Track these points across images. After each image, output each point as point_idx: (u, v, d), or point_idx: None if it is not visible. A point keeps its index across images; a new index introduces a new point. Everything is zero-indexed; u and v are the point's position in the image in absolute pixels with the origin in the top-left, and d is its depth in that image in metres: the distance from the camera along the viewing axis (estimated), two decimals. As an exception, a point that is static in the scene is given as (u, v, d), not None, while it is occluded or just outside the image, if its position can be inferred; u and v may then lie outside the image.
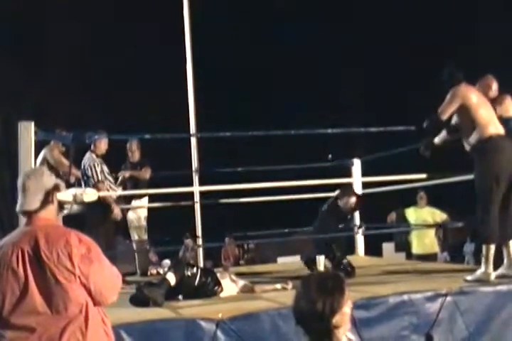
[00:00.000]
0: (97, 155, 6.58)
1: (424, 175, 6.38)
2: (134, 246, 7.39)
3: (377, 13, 16.25)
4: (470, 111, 5.03)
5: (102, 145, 6.58)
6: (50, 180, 2.79)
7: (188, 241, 6.99)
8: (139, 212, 7.31)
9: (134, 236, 7.32)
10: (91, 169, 6.41)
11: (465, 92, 5.09)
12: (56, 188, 2.80)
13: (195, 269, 4.90)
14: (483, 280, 4.82)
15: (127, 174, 7.29)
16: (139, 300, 4.52)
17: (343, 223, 6.16)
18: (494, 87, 5.44)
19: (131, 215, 7.29)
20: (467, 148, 5.15)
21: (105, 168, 6.62)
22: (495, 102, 5.34)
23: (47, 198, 2.74)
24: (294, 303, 2.43)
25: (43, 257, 2.57)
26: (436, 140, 5.54)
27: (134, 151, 7.40)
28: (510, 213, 5.08)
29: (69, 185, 5.95)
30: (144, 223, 7.31)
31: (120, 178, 7.29)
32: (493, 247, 4.92)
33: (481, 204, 4.96)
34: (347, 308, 2.41)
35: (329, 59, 16.36)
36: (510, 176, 4.99)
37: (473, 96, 5.08)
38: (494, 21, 14.72)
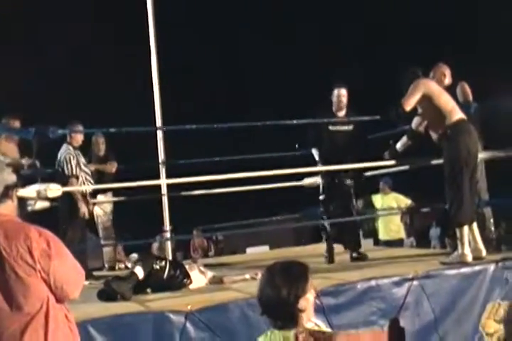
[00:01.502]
0: (74, 147, 6.46)
1: (388, 162, 6.44)
2: (101, 240, 7.34)
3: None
4: (433, 99, 5.21)
5: (79, 136, 6.48)
6: (10, 176, 2.77)
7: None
8: (105, 207, 7.26)
9: (101, 231, 7.27)
10: (66, 162, 6.31)
11: (425, 83, 5.28)
12: (16, 185, 2.77)
13: (163, 262, 4.89)
14: (462, 262, 4.93)
15: (92, 168, 7.22)
16: (107, 294, 4.49)
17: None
18: (448, 74, 5.58)
19: (97, 210, 7.23)
20: (434, 136, 5.29)
21: (82, 160, 6.53)
22: (452, 89, 5.51)
23: (6, 193, 2.70)
24: (258, 291, 2.47)
25: (1, 252, 2.54)
26: (399, 145, 5.78)
27: (99, 145, 7.32)
28: (473, 196, 5.20)
29: (29, 181, 5.91)
30: (110, 217, 7.26)
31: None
32: (466, 228, 5.05)
33: (452, 188, 5.09)
34: (310, 295, 2.47)
35: (290, 48, 16.39)
36: (474, 158, 5.17)
37: (433, 86, 5.28)
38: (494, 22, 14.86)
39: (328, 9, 16.52)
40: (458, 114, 5.19)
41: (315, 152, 6.21)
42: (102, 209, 7.26)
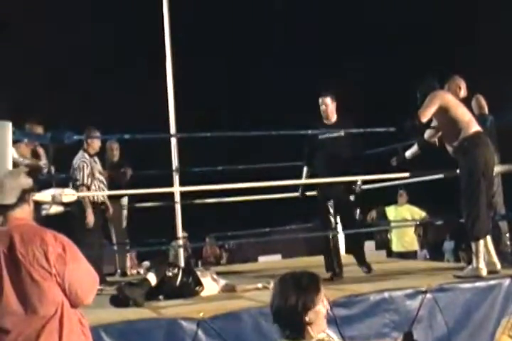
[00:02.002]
0: (90, 155, 6.43)
1: (403, 174, 6.42)
2: (115, 246, 7.35)
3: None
4: (450, 111, 5.18)
5: (95, 143, 6.45)
6: (26, 180, 2.79)
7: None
8: (123, 211, 7.26)
9: (115, 237, 7.28)
10: (79, 170, 6.30)
11: (442, 95, 5.27)
12: (32, 189, 2.79)
13: (176, 269, 4.89)
14: (476, 276, 4.88)
15: (106, 174, 7.23)
16: (119, 300, 4.49)
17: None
18: (463, 87, 5.56)
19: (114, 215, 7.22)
20: (450, 149, 5.26)
21: (98, 167, 6.52)
22: (468, 101, 5.50)
23: (23, 196, 2.72)
24: (270, 300, 2.46)
25: (18, 256, 2.55)
26: (408, 154, 5.80)
27: (113, 151, 7.35)
28: (488, 209, 5.17)
29: (44, 185, 5.93)
30: (124, 224, 7.27)
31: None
32: (482, 243, 5.01)
33: (469, 201, 5.04)
34: (321, 307, 2.43)
35: (307, 59, 16.41)
36: (491, 171, 5.14)
37: (450, 98, 5.26)
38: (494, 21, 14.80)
39: (329, 11, 16.48)
40: (475, 127, 5.16)
41: (305, 169, 6.19)
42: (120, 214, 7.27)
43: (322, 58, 16.36)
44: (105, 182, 6.59)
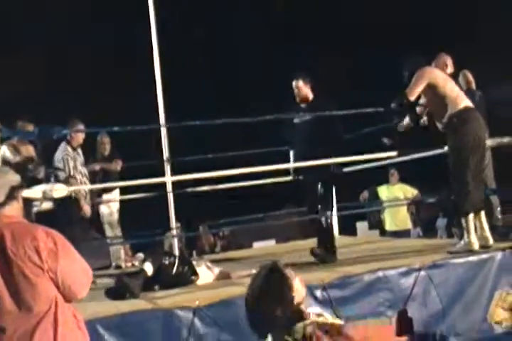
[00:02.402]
0: (73, 148, 6.41)
1: (393, 153, 6.43)
2: (108, 239, 7.35)
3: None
4: (438, 88, 5.14)
5: (79, 136, 6.41)
6: (14, 177, 2.78)
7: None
8: (111, 206, 7.27)
9: (108, 230, 7.28)
10: (64, 162, 6.28)
11: (430, 71, 5.23)
12: (21, 186, 2.79)
13: (172, 258, 4.90)
14: (469, 250, 4.92)
15: (97, 167, 7.21)
16: (115, 292, 4.50)
17: None
18: (450, 63, 5.55)
19: (103, 209, 7.24)
20: (439, 125, 5.24)
21: (80, 159, 6.50)
22: (456, 77, 5.47)
23: (12, 194, 2.71)
24: (249, 311, 2.51)
25: (9, 253, 2.55)
26: (400, 127, 5.72)
27: (105, 144, 7.29)
28: (479, 184, 5.18)
29: (36, 181, 5.92)
30: (116, 216, 7.27)
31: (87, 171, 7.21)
32: (471, 217, 5.03)
33: (458, 177, 5.06)
34: (298, 285, 2.50)
35: (290, 47, 16.36)
36: (483, 146, 5.14)
37: (438, 74, 5.23)
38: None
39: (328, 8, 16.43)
40: (464, 102, 5.13)
41: (291, 152, 6.10)
42: (109, 208, 7.26)
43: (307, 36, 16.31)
44: (87, 176, 6.58)
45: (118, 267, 7.06)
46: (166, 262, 4.81)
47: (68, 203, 6.06)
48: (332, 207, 5.89)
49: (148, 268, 4.73)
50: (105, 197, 7.24)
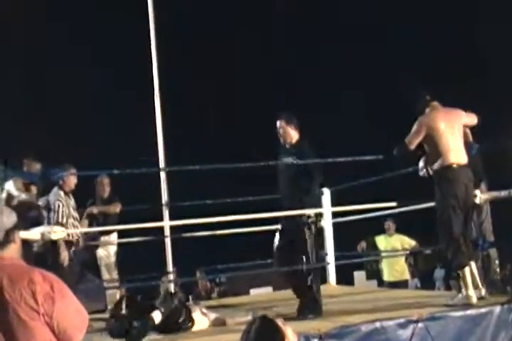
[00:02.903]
0: (65, 192, 6.42)
1: (391, 204, 6.46)
2: (105, 283, 7.28)
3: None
4: (434, 139, 5.19)
5: (71, 180, 6.41)
6: (9, 218, 2.75)
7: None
8: (108, 249, 7.22)
9: (104, 273, 7.21)
10: (54, 209, 6.26)
11: (429, 122, 5.24)
12: (17, 227, 2.76)
13: (171, 302, 4.85)
14: (467, 304, 4.89)
15: (96, 210, 7.21)
16: (120, 331, 4.44)
17: None
18: None
19: (100, 252, 7.19)
20: (429, 172, 5.29)
21: (72, 203, 6.50)
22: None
23: (7, 238, 2.69)
24: None
25: (5, 296, 2.53)
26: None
27: (104, 186, 7.29)
28: (470, 236, 5.24)
29: (36, 222, 5.92)
30: (113, 259, 7.21)
31: (85, 213, 7.17)
32: (467, 270, 5.03)
33: (444, 233, 5.10)
34: (290, 335, 2.50)
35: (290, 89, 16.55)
36: (466, 204, 5.14)
37: (440, 125, 5.20)
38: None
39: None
40: (454, 157, 5.13)
41: None
42: (106, 250, 7.21)
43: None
44: (79, 219, 6.57)
45: None
46: (175, 309, 4.76)
47: (51, 248, 6.00)
48: (310, 258, 5.34)
49: (157, 317, 4.68)
50: (103, 239, 7.21)
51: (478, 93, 13.84)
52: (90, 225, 7.09)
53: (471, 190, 5.24)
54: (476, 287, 5.08)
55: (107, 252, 7.20)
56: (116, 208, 7.26)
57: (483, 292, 5.09)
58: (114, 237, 7.26)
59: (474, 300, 4.94)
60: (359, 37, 16.35)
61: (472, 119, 5.47)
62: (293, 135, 5.60)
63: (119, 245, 7.34)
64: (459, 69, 15.31)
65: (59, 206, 6.27)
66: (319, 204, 5.52)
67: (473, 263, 5.16)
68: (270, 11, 16.87)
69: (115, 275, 7.25)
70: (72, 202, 6.52)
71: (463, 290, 5.01)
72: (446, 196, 5.07)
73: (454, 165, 5.12)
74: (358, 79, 15.95)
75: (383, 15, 15.98)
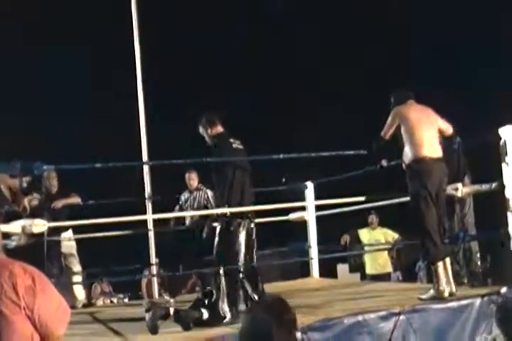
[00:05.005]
0: None
1: (374, 197, 6.49)
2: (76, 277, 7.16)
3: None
4: (406, 131, 5.18)
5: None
6: None
7: None
8: (69, 244, 7.08)
9: (72, 267, 7.07)
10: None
11: (402, 113, 5.25)
12: None
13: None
14: (438, 298, 4.90)
15: (60, 204, 6.94)
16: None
17: None
18: None
19: (63, 248, 7.02)
20: (403, 166, 5.29)
21: None
22: None
23: None
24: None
25: None
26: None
27: (52, 180, 7.05)
28: (442, 230, 5.21)
29: (16, 216, 5.87)
30: (75, 254, 7.08)
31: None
32: (440, 264, 5.03)
33: (418, 224, 5.08)
34: None
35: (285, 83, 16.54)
36: (439, 198, 5.11)
37: (412, 116, 5.20)
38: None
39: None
40: (427, 151, 5.09)
41: None
42: (67, 246, 7.05)
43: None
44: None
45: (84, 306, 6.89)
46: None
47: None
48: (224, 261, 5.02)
49: (205, 314, 4.69)
50: (63, 235, 7.02)
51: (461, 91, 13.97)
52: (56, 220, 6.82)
53: (444, 184, 5.21)
54: (447, 282, 5.06)
55: (69, 248, 7.06)
56: (78, 199, 7.08)
57: (454, 288, 5.06)
58: (70, 233, 7.09)
59: (446, 294, 4.94)
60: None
61: (447, 127, 5.44)
62: (211, 134, 5.35)
63: (103, 239, 7.25)
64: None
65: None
66: (244, 203, 5.15)
67: (447, 259, 5.15)
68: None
69: (79, 269, 7.11)
70: None
71: (434, 284, 5.02)
72: (418, 189, 5.05)
73: (427, 159, 5.08)
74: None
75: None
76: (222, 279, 4.87)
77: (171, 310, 4.63)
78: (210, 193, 7.20)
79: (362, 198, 6.39)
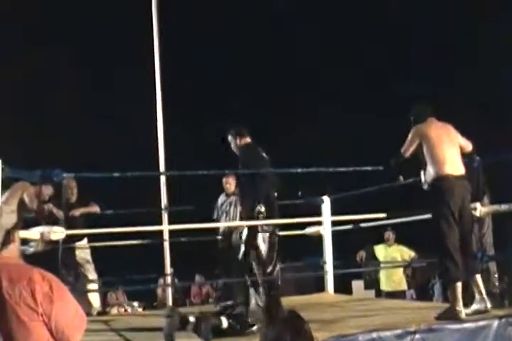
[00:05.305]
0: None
1: (392, 214, 6.46)
2: (92, 285, 7.17)
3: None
4: (427, 149, 5.15)
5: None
6: (9, 218, 2.75)
7: None
8: (84, 252, 7.11)
9: (88, 275, 7.08)
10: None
11: (423, 131, 5.22)
12: (16, 226, 2.77)
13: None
14: (453, 318, 4.83)
15: (78, 212, 6.96)
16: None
17: None
18: None
19: (78, 256, 7.05)
20: (424, 185, 5.25)
21: None
22: None
23: (7, 237, 2.70)
24: None
25: (5, 296, 2.52)
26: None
27: (72, 190, 7.09)
28: (471, 249, 5.16)
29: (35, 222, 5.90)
30: (91, 262, 7.10)
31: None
32: (459, 285, 4.96)
33: (438, 243, 5.03)
34: None
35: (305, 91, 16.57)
36: (463, 216, 5.06)
37: (433, 134, 5.18)
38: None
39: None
40: (449, 169, 5.06)
41: None
42: (83, 255, 7.08)
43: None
44: None
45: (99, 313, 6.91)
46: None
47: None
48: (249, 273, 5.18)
49: (224, 322, 4.67)
50: (78, 243, 7.03)
51: (478, 109, 13.88)
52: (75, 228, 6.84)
53: (467, 202, 5.16)
54: (481, 299, 5.02)
55: (84, 256, 7.08)
56: (96, 208, 7.12)
57: (488, 305, 5.02)
58: (85, 242, 7.11)
59: (462, 314, 4.88)
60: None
61: (467, 144, 5.41)
62: (239, 145, 5.67)
63: (118, 248, 7.28)
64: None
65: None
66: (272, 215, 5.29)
67: (478, 276, 5.10)
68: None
69: (95, 276, 7.12)
70: None
71: (451, 303, 4.96)
72: (441, 207, 5.00)
73: (450, 177, 5.05)
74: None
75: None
76: (251, 289, 4.97)
77: (191, 319, 4.61)
78: None
79: (380, 215, 6.36)
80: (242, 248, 5.29)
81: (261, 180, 5.33)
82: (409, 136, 5.26)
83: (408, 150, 5.25)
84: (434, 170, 5.09)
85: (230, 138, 5.75)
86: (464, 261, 5.03)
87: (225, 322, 4.64)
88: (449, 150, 5.17)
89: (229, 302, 5.00)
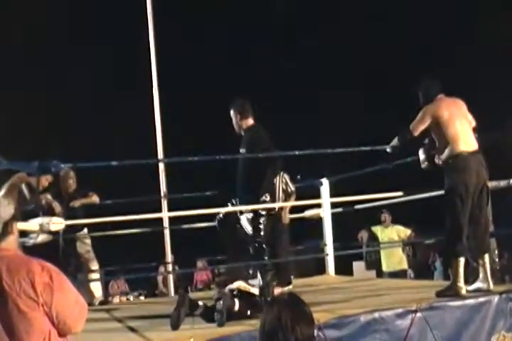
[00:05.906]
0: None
1: (392, 194, 6.45)
2: (94, 275, 7.19)
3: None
4: (441, 128, 5.10)
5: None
6: (7, 210, 2.75)
7: None
8: (85, 242, 7.11)
9: (88, 265, 7.08)
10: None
11: (436, 111, 5.14)
12: (14, 218, 2.76)
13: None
14: (455, 295, 4.86)
15: (78, 203, 6.92)
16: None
17: None
18: None
19: (78, 247, 7.04)
20: (439, 162, 5.23)
21: None
22: None
23: (5, 229, 2.70)
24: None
25: (4, 287, 2.53)
26: (388, 148, 5.56)
27: (70, 180, 7.04)
28: (482, 227, 5.14)
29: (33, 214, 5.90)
30: (92, 252, 7.10)
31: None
32: (462, 260, 4.97)
33: (449, 219, 5.02)
34: None
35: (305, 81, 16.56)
36: (476, 193, 5.04)
37: (445, 113, 5.11)
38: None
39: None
40: (464, 145, 5.04)
41: None
42: (83, 245, 7.07)
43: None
44: None
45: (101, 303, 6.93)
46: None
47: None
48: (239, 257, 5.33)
49: (236, 304, 4.63)
50: (79, 234, 7.02)
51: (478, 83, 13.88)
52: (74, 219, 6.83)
53: (483, 176, 5.10)
54: (485, 279, 5.03)
55: (84, 246, 7.08)
56: (96, 198, 7.07)
57: (491, 285, 5.03)
58: (85, 231, 7.10)
59: (463, 291, 4.90)
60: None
61: (471, 120, 5.36)
62: (240, 124, 5.55)
63: (118, 237, 7.30)
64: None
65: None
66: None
67: (487, 255, 5.09)
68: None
69: (96, 266, 7.13)
70: None
71: (452, 279, 4.99)
72: (456, 185, 4.98)
73: (464, 153, 5.02)
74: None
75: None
76: (269, 272, 5.05)
77: (200, 303, 4.59)
78: None
79: (379, 195, 6.36)
80: (250, 231, 5.27)
81: (267, 166, 5.25)
82: (420, 114, 5.17)
83: (418, 128, 5.16)
84: (449, 148, 5.04)
85: (232, 112, 5.58)
86: (474, 238, 5.05)
87: (237, 304, 4.63)
88: (461, 127, 5.12)
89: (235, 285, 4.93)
